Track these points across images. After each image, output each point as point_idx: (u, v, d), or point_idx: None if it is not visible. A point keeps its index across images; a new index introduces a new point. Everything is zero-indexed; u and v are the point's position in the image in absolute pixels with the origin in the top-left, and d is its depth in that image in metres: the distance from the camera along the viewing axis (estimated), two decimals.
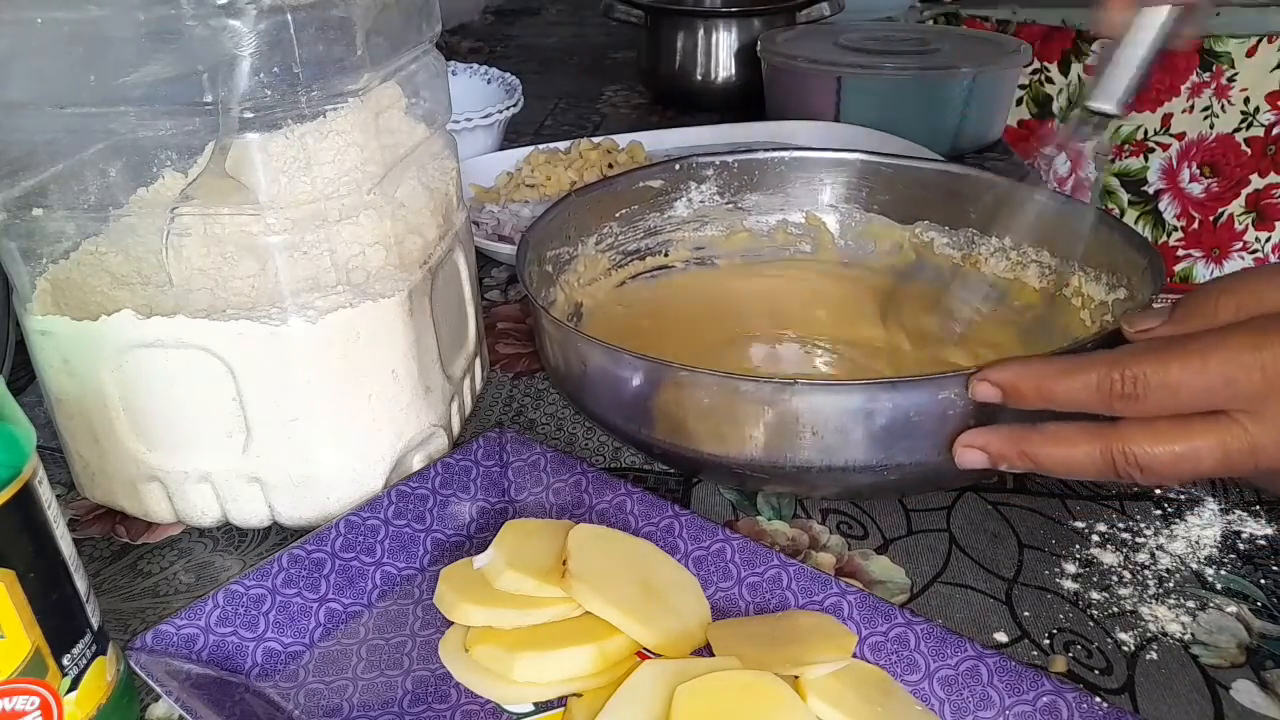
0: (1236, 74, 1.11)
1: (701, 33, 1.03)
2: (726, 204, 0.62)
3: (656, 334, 0.56)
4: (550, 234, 0.55)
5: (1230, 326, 0.34)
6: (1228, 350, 0.33)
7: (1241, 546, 0.42)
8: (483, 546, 0.39)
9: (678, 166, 0.61)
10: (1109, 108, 0.38)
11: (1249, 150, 1.14)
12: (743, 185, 0.62)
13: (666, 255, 0.62)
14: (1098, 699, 0.31)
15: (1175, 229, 1.18)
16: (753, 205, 0.62)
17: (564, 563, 0.37)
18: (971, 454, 0.38)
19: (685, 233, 0.62)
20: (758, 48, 0.95)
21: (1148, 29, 0.37)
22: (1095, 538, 0.43)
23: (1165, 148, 1.16)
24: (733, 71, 1.04)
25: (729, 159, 0.62)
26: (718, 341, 0.56)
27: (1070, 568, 0.41)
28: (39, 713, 0.30)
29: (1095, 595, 0.40)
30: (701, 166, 0.61)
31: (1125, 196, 1.20)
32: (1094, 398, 0.35)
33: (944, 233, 0.59)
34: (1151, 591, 0.40)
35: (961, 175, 0.58)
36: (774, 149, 0.63)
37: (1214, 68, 1.11)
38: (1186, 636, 0.38)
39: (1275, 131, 1.12)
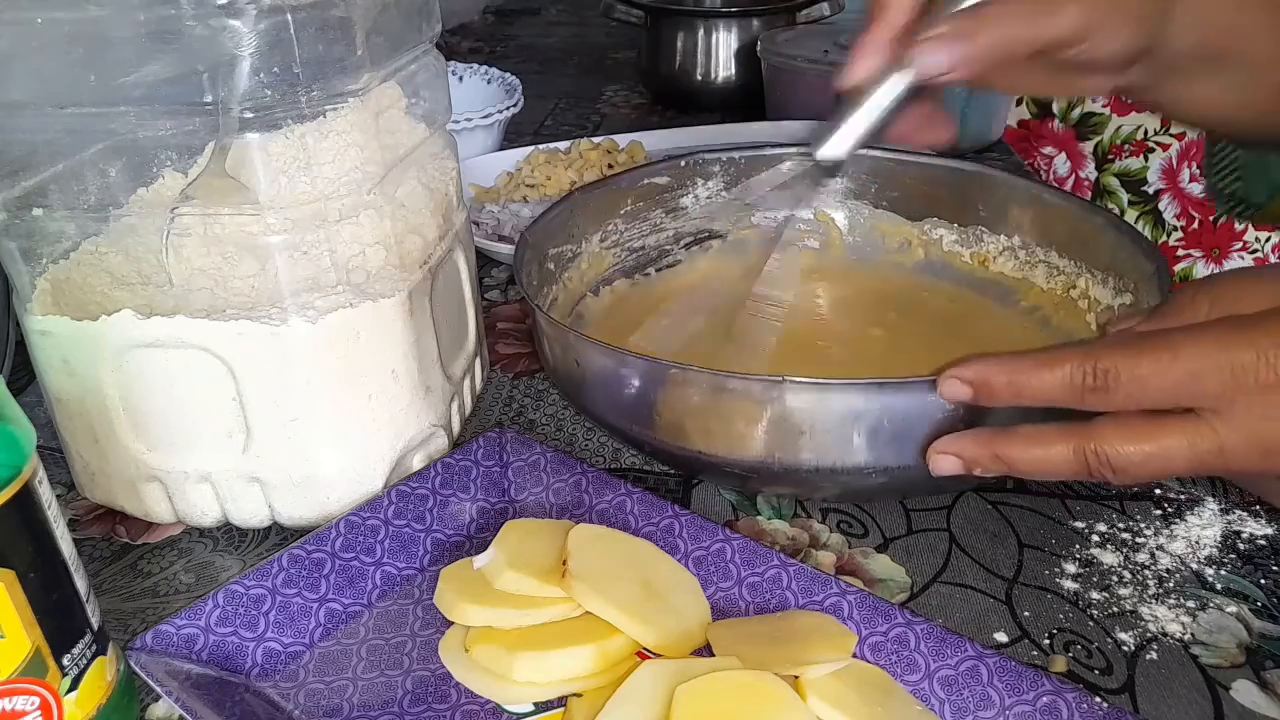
0: None
1: (701, 33, 1.03)
2: (733, 200, 0.62)
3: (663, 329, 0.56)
4: (553, 232, 0.55)
5: (1204, 324, 0.34)
6: (1197, 346, 0.33)
7: (1241, 546, 0.42)
8: (483, 546, 0.39)
9: (684, 163, 0.61)
10: (840, 155, 0.41)
11: None
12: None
13: (672, 252, 0.62)
14: (1098, 699, 0.31)
15: (1175, 229, 1.18)
16: (760, 201, 0.62)
17: (564, 563, 0.37)
18: (946, 460, 0.38)
19: (692, 229, 0.62)
20: (758, 48, 0.95)
21: (888, 92, 0.39)
22: (1095, 538, 0.43)
23: (1165, 148, 1.16)
24: (733, 71, 1.04)
25: (736, 155, 0.62)
26: (725, 338, 0.56)
27: (1070, 568, 0.41)
28: (39, 713, 0.30)
29: (1095, 595, 0.40)
30: (708, 163, 0.61)
31: (1125, 196, 1.20)
32: (1066, 391, 0.35)
33: (952, 230, 0.59)
34: (1151, 591, 0.40)
35: (971, 173, 0.58)
36: (781, 145, 0.63)
37: None
38: (1186, 636, 0.38)
39: None
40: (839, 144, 0.40)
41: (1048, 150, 1.21)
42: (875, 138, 0.40)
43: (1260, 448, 0.33)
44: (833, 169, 0.42)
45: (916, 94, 0.38)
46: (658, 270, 0.61)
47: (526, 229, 0.52)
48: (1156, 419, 0.34)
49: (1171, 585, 0.40)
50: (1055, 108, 1.21)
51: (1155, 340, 0.34)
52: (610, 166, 0.78)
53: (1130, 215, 1.19)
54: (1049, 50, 0.37)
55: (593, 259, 0.58)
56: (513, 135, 0.96)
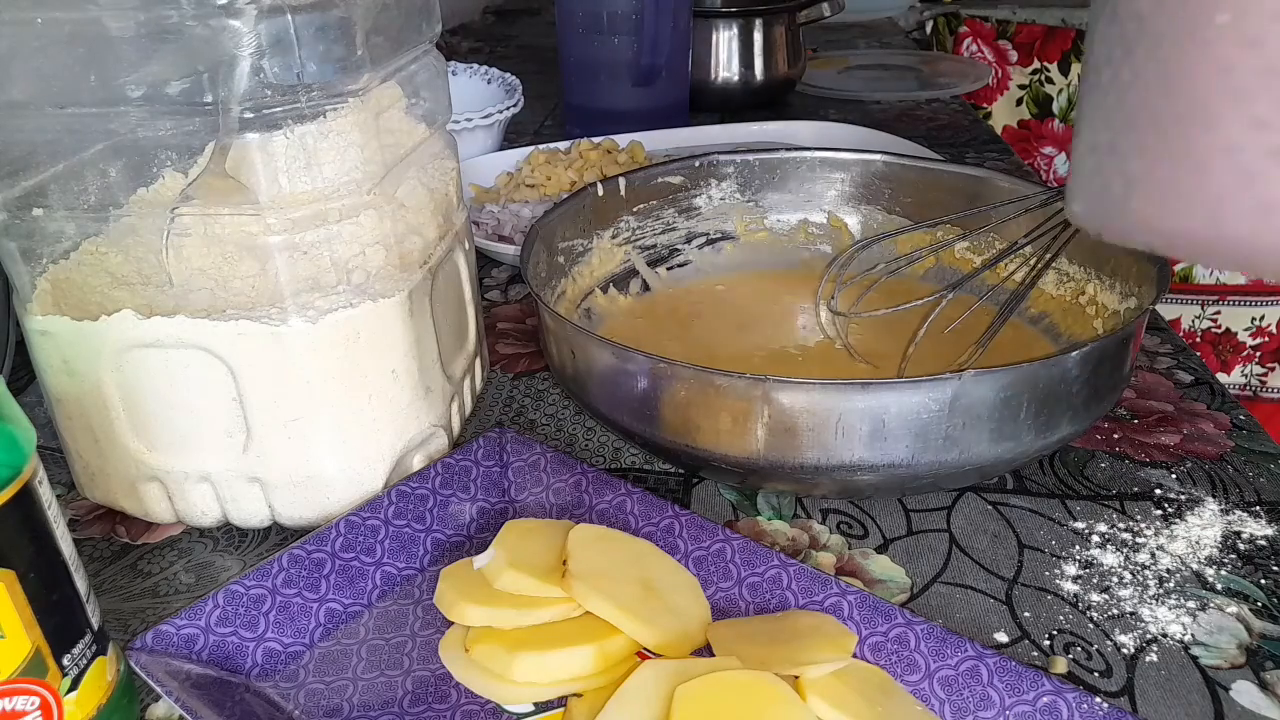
0: None
1: (702, 33, 1.03)
2: (747, 201, 0.63)
3: (671, 330, 0.56)
4: (564, 225, 0.55)
5: None
6: None
7: (1242, 547, 0.42)
8: (483, 546, 0.39)
9: (698, 164, 0.61)
10: None
11: None
12: (764, 184, 0.62)
13: (684, 251, 0.62)
14: (1098, 699, 0.31)
15: None
16: (774, 204, 0.63)
17: (564, 563, 0.37)
18: None
19: (704, 229, 0.62)
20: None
21: None
22: (1095, 538, 0.43)
23: None
24: (733, 71, 1.04)
25: (750, 157, 0.62)
26: (732, 336, 0.56)
27: (1070, 569, 0.41)
28: (39, 713, 0.30)
29: (1095, 597, 0.40)
30: (723, 164, 0.62)
31: None
32: None
33: (965, 237, 0.59)
34: (1152, 592, 0.40)
35: (984, 179, 0.58)
36: (796, 148, 0.63)
37: None
38: (1187, 637, 0.38)
39: None
40: None
41: (1048, 150, 1.21)
42: None
43: None
44: None
45: None
46: (669, 269, 0.62)
47: (538, 221, 0.52)
48: None
49: (1172, 586, 0.40)
50: (1055, 107, 1.21)
51: None
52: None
53: None
54: None
55: (604, 255, 0.58)
56: (513, 135, 0.96)
